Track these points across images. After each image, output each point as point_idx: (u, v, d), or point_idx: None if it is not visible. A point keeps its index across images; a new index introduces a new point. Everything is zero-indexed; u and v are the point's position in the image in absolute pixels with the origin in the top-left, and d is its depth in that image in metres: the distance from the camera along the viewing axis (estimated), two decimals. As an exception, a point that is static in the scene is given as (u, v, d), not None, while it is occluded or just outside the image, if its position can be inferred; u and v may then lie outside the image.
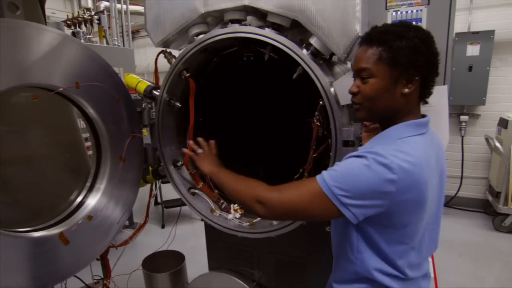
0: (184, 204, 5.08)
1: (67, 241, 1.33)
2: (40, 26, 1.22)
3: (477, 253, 3.56)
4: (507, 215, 3.91)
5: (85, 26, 3.91)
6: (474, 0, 4.62)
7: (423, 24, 1.60)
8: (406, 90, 0.99)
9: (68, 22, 3.96)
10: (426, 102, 1.08)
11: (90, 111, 1.38)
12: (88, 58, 1.37)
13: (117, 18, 4.10)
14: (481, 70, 4.13)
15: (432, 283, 1.17)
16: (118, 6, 4.23)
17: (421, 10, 1.59)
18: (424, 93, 1.05)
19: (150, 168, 1.85)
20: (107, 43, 3.79)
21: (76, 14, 3.91)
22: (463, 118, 4.38)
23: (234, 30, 1.40)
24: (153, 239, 4.23)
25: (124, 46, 4.27)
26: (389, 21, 1.68)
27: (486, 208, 4.44)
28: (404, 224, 0.99)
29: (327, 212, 0.97)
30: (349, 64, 2.60)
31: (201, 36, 1.50)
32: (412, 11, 1.60)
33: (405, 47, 0.96)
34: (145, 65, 6.81)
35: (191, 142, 1.55)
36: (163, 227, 4.59)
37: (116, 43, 3.96)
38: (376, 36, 1.00)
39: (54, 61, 1.26)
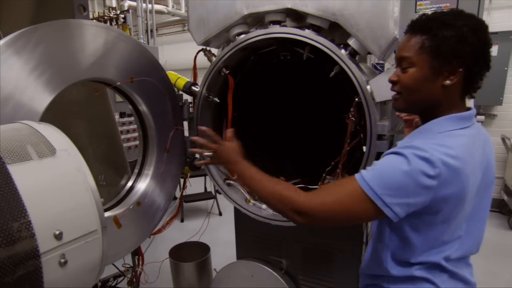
0: (202, 199, 5.21)
1: (120, 225, 1.45)
2: (99, 25, 1.34)
3: (492, 252, 3.61)
4: (523, 214, 3.95)
5: (111, 24, 4.05)
6: (493, 0, 4.64)
7: (452, 26, 1.67)
8: (448, 82, 0.95)
9: (94, 20, 4.11)
10: (473, 97, 1.02)
11: (142, 105, 1.50)
12: (140, 54, 1.48)
13: (142, 17, 4.23)
14: (499, 70, 4.16)
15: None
16: (143, 5, 4.36)
17: (450, 12, 1.66)
18: (469, 87, 0.99)
19: (188, 160, 1.96)
20: (133, 41, 3.93)
21: (101, 12, 4.04)
22: (480, 118, 4.40)
23: (277, 31, 1.50)
24: (173, 233, 4.35)
25: (148, 44, 4.41)
26: (418, 23, 1.76)
27: (502, 208, 4.48)
28: (444, 220, 0.97)
29: (369, 213, 0.93)
30: (368, 62, 2.70)
31: (242, 36, 1.60)
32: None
33: (450, 36, 0.91)
34: (162, 62, 6.94)
35: (195, 138, 1.42)
36: (182, 221, 4.72)
37: (142, 41, 4.09)
38: (421, 23, 0.97)
39: (111, 57, 1.37)
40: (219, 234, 4.33)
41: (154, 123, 1.57)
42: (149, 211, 1.60)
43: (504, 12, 4.58)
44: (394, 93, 1.08)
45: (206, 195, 4.79)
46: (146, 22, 4.80)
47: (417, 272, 1.03)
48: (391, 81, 1.06)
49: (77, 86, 1.71)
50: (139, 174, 1.62)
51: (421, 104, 1.03)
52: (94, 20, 4.03)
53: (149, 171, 1.61)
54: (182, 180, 2.22)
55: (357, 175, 0.96)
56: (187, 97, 1.93)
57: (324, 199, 0.97)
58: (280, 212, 1.06)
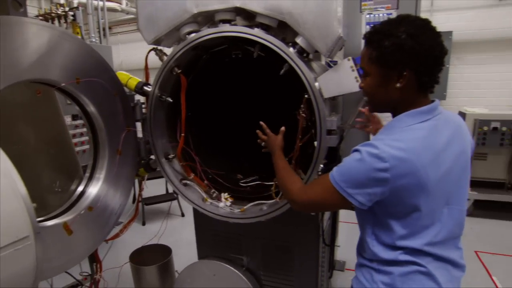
0: (163, 201, 5.09)
1: (71, 231, 1.39)
2: (41, 23, 1.27)
3: None
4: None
5: (59, 22, 3.85)
6: (434, 2, 4.98)
7: (393, 26, 1.78)
8: (398, 84, 1.06)
9: (40, 17, 3.87)
10: (432, 92, 1.12)
11: (90, 106, 1.45)
12: (86, 54, 1.43)
13: (93, 15, 4.05)
14: (442, 68, 4.46)
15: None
16: (94, 2, 4.18)
17: (391, 13, 1.77)
18: (422, 84, 1.08)
19: (142, 162, 1.92)
20: (83, 40, 3.75)
21: (48, 9, 3.82)
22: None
23: (227, 30, 1.51)
24: (134, 237, 4.23)
25: (100, 43, 4.23)
26: (363, 24, 1.85)
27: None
28: (413, 208, 1.05)
29: (340, 202, 1.09)
30: (323, 60, 2.80)
31: (193, 34, 1.60)
32: (384, 15, 1.78)
33: (389, 45, 1.03)
34: (118, 62, 6.71)
35: (258, 132, 1.62)
36: (143, 224, 4.60)
37: (94, 40, 3.92)
38: (368, 36, 1.10)
39: (55, 57, 1.31)
40: (181, 236, 4.27)
41: (104, 124, 1.52)
42: (102, 215, 1.55)
43: (444, 13, 4.94)
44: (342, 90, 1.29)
45: (167, 197, 4.71)
46: (97, 20, 4.61)
47: (401, 256, 1.11)
48: (360, 88, 1.22)
49: (20, 88, 1.61)
50: (90, 178, 1.56)
51: (383, 105, 1.16)
52: (39, 18, 3.80)
53: (100, 175, 1.56)
54: (142, 182, 2.18)
55: (330, 172, 1.12)
56: (140, 98, 1.90)
57: (308, 192, 1.21)
58: (283, 193, 1.37)
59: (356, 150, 1.06)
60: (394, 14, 1.78)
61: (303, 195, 1.22)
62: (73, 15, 3.58)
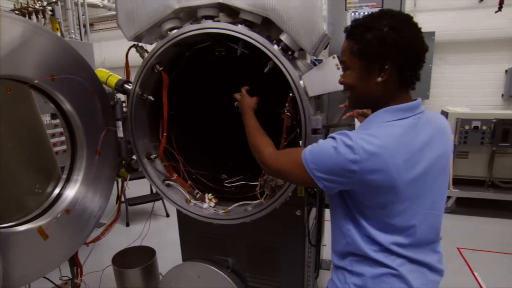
0: (148, 201, 5.00)
1: (46, 236, 1.33)
2: (12, 16, 1.21)
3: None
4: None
5: (36, 17, 3.72)
6: (417, 3, 5.05)
7: (378, 24, 1.77)
8: (379, 79, 1.04)
9: (16, 12, 3.73)
10: (414, 88, 1.10)
11: (66, 104, 1.38)
12: (62, 50, 1.37)
13: (73, 10, 3.92)
14: (424, 67, 4.52)
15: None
16: (74, -3, 4.06)
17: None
18: (404, 80, 1.06)
19: (124, 162, 1.86)
20: (63, 36, 3.63)
21: (25, 3, 3.68)
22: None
23: (209, 26, 1.47)
24: (118, 238, 4.14)
25: (81, 39, 4.11)
26: (348, 22, 1.84)
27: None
28: (381, 205, 1.04)
29: (305, 180, 1.09)
30: (308, 59, 2.78)
31: (174, 31, 1.55)
32: (369, 12, 1.76)
33: (372, 38, 1.01)
34: (100, 60, 6.56)
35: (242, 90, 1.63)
36: (127, 225, 4.51)
37: (73, 36, 3.80)
38: (350, 30, 1.08)
39: (28, 52, 1.25)
40: (167, 236, 4.20)
41: (81, 123, 1.46)
42: (81, 218, 1.49)
43: (427, 14, 5.01)
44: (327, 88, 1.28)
45: (151, 197, 4.62)
46: (78, 16, 4.48)
47: (372, 253, 1.09)
48: (340, 83, 1.19)
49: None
50: (67, 180, 1.50)
51: (364, 100, 1.14)
52: (14, 12, 3.66)
53: (78, 176, 1.50)
54: (124, 183, 2.12)
55: (304, 150, 1.11)
56: (121, 96, 1.84)
57: (278, 159, 1.22)
58: (254, 154, 1.34)
59: (332, 138, 1.05)
60: (378, 12, 1.78)
61: (273, 161, 1.23)
62: (52, 10, 3.46)
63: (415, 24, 1.04)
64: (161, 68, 1.67)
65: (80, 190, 1.49)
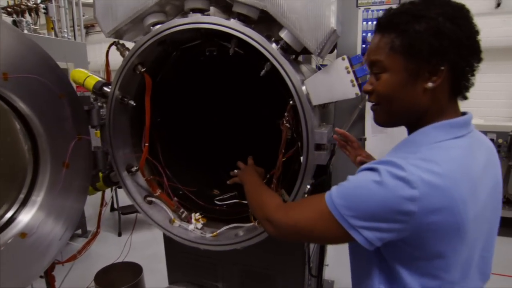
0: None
1: (-8, 264, 1.11)
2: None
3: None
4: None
5: (30, 15, 3.55)
6: None
7: (394, 24, 1.55)
8: (430, 84, 0.80)
9: (9, 9, 3.56)
10: (466, 98, 0.87)
11: (23, 107, 1.17)
12: (25, 48, 1.16)
13: (66, 8, 3.75)
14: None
15: None
16: (69, -5, 3.90)
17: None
18: (458, 86, 0.84)
19: (101, 174, 1.65)
20: (56, 35, 3.46)
21: (18, 1, 3.52)
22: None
23: (196, 21, 1.26)
24: (109, 249, 3.93)
25: (75, 39, 3.93)
26: (359, 21, 1.61)
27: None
28: (439, 255, 0.79)
29: (335, 235, 0.82)
30: (314, 64, 2.55)
31: (158, 26, 1.34)
32: (383, 10, 1.54)
33: (424, 29, 0.77)
34: (101, 62, 6.41)
35: (232, 173, 1.50)
36: (119, 235, 4.29)
37: (66, 35, 3.62)
38: (388, 19, 0.83)
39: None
40: (161, 247, 3.96)
41: (44, 130, 1.25)
42: (41, 242, 1.27)
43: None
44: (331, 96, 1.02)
45: (147, 206, 4.40)
46: (72, 15, 4.29)
47: None
48: (366, 92, 0.92)
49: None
50: (27, 197, 1.28)
51: (403, 115, 0.88)
52: (7, 10, 3.50)
53: (40, 192, 1.28)
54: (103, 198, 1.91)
55: (327, 192, 0.85)
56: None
57: (290, 213, 0.92)
58: (257, 218, 1.12)
59: (371, 169, 0.79)
60: (395, 10, 1.55)
61: (284, 216, 0.93)
62: (45, 8, 3.28)
63: (472, 15, 0.81)
64: (143, 69, 1.45)
65: (42, 209, 1.27)
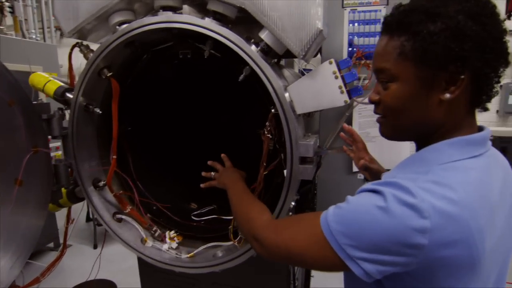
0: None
1: None
2: None
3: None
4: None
5: (-4, 15, 3.31)
6: None
7: (382, 26, 1.46)
8: (448, 95, 0.69)
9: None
10: (486, 109, 0.76)
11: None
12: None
13: (34, 8, 3.52)
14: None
15: None
16: (36, -6, 3.67)
17: (379, 10, 1.45)
18: (479, 96, 0.72)
19: (64, 190, 1.48)
20: (24, 36, 3.24)
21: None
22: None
23: (167, 20, 1.12)
24: (84, 262, 3.70)
25: (45, 41, 3.71)
26: (345, 22, 1.51)
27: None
28: None
29: (331, 263, 0.70)
30: (296, 68, 2.45)
31: (125, 25, 1.20)
32: (370, 11, 1.45)
33: (440, 31, 0.65)
34: (76, 65, 6.15)
35: (203, 173, 1.37)
36: (95, 247, 4.07)
37: (34, 36, 3.39)
38: (396, 18, 0.71)
39: None
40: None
41: (-10, 144, 1.08)
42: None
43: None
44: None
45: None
46: (41, 16, 4.05)
47: None
48: (372, 102, 0.80)
49: None
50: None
51: (414, 129, 0.76)
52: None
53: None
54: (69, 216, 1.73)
55: (323, 212, 0.74)
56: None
57: (280, 233, 0.80)
58: (243, 234, 1.00)
59: (375, 191, 0.67)
60: (383, 10, 1.46)
61: (274, 236, 0.81)
62: (11, 7, 3.06)
63: (497, 11, 0.69)
64: (110, 74, 1.31)
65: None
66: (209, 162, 1.34)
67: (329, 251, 0.69)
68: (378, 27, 1.46)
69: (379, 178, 1.19)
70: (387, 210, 0.63)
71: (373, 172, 1.22)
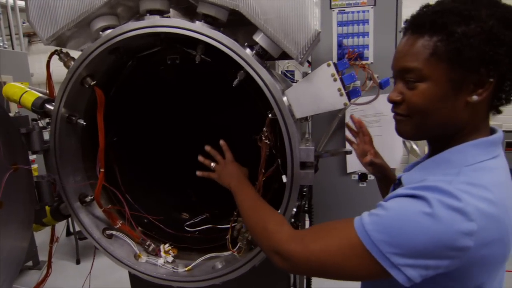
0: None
1: None
2: None
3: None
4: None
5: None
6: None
7: (370, 26, 1.46)
8: (475, 97, 0.70)
9: None
10: (499, 112, 0.78)
11: None
12: None
13: (0, 13, 3.33)
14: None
15: None
16: (2, 0, 3.45)
17: (367, 11, 1.44)
18: (499, 99, 0.74)
19: (48, 208, 1.39)
20: (-9, 44, 3.05)
21: None
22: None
23: (154, 24, 1.07)
24: (67, 279, 3.55)
25: (14, 49, 3.51)
26: (334, 24, 1.50)
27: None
28: (479, 285, 0.71)
29: (370, 273, 0.69)
30: (278, 70, 2.43)
31: (108, 31, 1.13)
32: (358, 12, 1.45)
33: (474, 34, 0.67)
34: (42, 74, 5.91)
35: (200, 158, 1.21)
36: (78, 262, 3.91)
37: (1, 44, 3.21)
38: (430, 18, 0.70)
39: None
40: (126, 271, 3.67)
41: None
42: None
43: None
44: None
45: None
46: (8, 22, 3.85)
47: None
48: (392, 101, 0.79)
49: None
50: None
51: (438, 130, 0.77)
52: None
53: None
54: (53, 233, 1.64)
55: (356, 220, 0.73)
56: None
57: (310, 246, 0.76)
58: (260, 245, 0.92)
59: (416, 197, 0.67)
60: (371, 11, 1.46)
61: (302, 249, 0.76)
62: (-24, 14, 2.89)
63: None
64: (93, 82, 1.24)
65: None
66: (207, 148, 1.20)
67: (369, 261, 0.68)
68: (367, 27, 1.46)
69: (384, 173, 1.19)
70: (434, 216, 0.63)
71: (377, 166, 1.20)
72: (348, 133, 1.31)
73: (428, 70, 0.71)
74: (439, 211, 0.63)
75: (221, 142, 1.20)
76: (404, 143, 4.85)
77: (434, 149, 0.81)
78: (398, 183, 0.87)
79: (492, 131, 0.79)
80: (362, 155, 1.22)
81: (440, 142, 0.79)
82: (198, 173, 1.23)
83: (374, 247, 0.67)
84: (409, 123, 0.78)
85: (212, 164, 1.20)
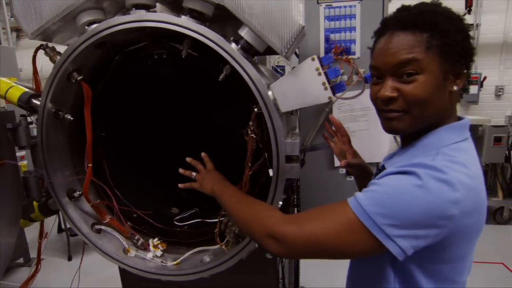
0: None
1: None
2: None
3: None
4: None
5: None
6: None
7: (357, 21, 1.47)
8: (455, 87, 0.80)
9: None
10: (459, 100, 0.88)
11: None
12: None
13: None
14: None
15: None
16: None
17: (354, 6, 1.46)
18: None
19: (36, 204, 1.39)
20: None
21: None
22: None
23: (140, 18, 1.07)
24: (58, 276, 3.54)
25: (1, 44, 3.47)
26: (321, 18, 1.51)
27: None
28: (461, 257, 0.80)
29: (365, 248, 0.74)
30: (268, 65, 2.44)
31: (94, 25, 1.13)
32: (345, 7, 1.46)
33: (456, 31, 0.77)
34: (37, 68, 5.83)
35: (181, 170, 1.26)
36: (69, 259, 3.89)
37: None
38: (423, 17, 0.77)
39: None
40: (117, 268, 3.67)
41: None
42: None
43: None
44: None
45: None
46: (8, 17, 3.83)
47: None
48: (387, 98, 0.81)
49: None
50: None
51: (430, 120, 0.82)
52: None
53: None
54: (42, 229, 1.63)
55: (350, 199, 0.77)
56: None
57: (306, 226, 0.78)
58: (253, 235, 0.89)
59: (407, 173, 0.73)
60: (357, 6, 1.47)
61: (298, 230, 0.78)
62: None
63: None
64: (80, 77, 1.23)
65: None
66: (188, 159, 1.24)
67: (365, 235, 0.72)
68: (354, 22, 1.47)
69: (363, 170, 1.22)
70: (424, 187, 0.69)
71: (355, 166, 1.23)
72: (325, 132, 1.33)
73: (426, 61, 0.76)
74: (429, 182, 0.69)
75: (203, 154, 1.26)
76: (395, 138, 4.94)
77: (406, 139, 0.88)
78: (382, 168, 0.90)
79: (459, 118, 0.87)
80: (341, 155, 1.26)
81: (418, 132, 0.84)
82: (180, 185, 1.27)
83: (369, 220, 0.71)
84: (407, 118, 0.81)
85: (193, 173, 1.24)
